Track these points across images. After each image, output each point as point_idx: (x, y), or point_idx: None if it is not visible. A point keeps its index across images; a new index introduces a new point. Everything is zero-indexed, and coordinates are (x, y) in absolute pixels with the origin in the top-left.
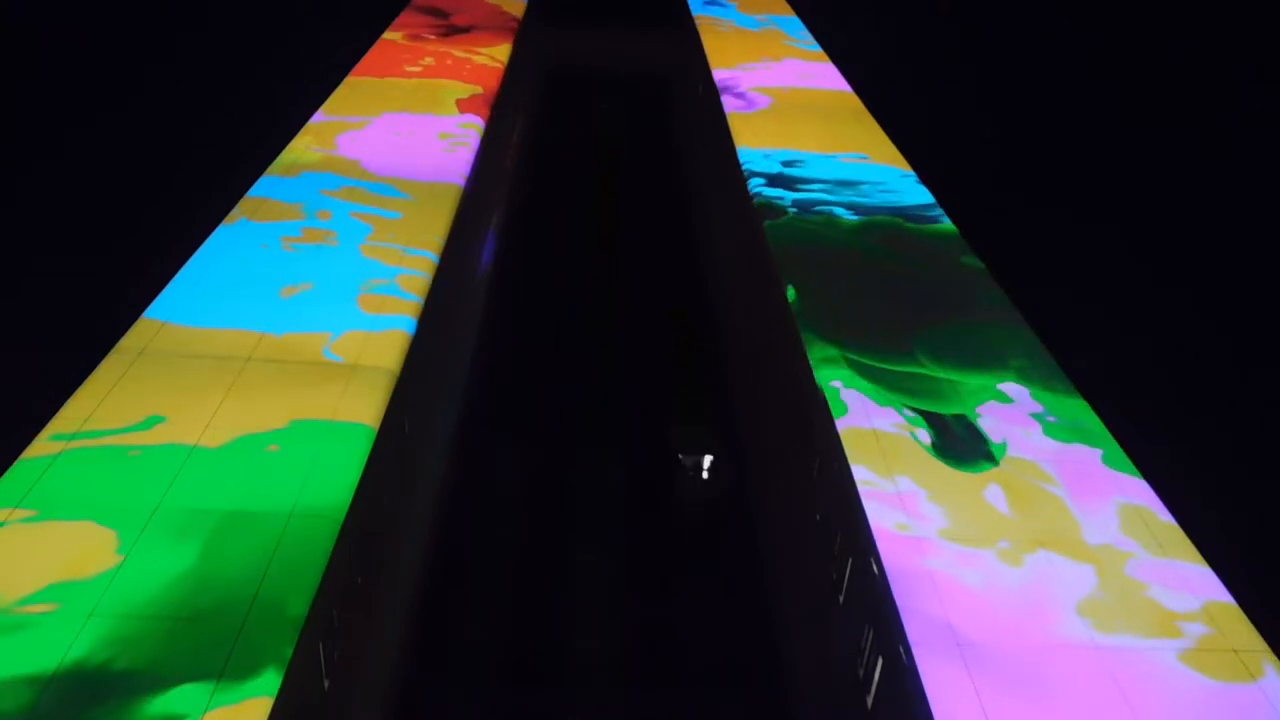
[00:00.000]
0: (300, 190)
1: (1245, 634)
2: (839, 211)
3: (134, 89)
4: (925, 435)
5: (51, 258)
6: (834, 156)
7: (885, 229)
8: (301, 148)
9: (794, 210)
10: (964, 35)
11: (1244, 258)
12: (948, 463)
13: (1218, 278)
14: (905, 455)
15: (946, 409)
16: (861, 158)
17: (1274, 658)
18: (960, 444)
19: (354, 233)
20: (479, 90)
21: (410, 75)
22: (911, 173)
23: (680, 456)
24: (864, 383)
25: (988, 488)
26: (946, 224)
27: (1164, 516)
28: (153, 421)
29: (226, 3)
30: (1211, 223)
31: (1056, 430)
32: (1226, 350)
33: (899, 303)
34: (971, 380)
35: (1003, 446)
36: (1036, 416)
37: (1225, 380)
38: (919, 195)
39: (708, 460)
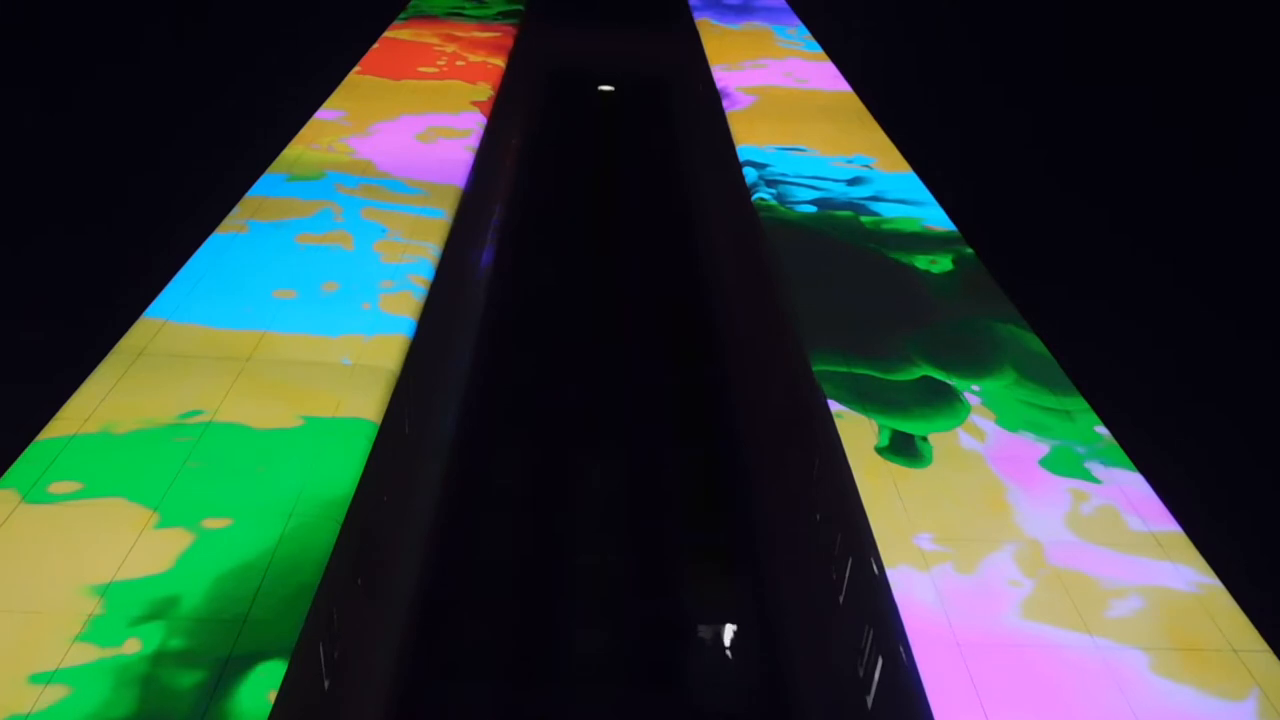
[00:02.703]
0: (302, 189)
1: (1246, 634)
2: (837, 211)
3: (135, 87)
4: (922, 438)
5: (50, 257)
6: (834, 156)
7: (884, 228)
8: (302, 146)
9: (793, 209)
10: (968, 36)
11: (1249, 258)
12: (946, 464)
13: (1223, 278)
14: (903, 455)
15: (947, 412)
16: (864, 161)
17: (1275, 658)
18: (959, 446)
19: (355, 232)
20: (479, 89)
21: (410, 74)
22: (912, 173)
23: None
24: (858, 388)
25: (987, 488)
26: (948, 224)
27: (1165, 516)
28: (150, 421)
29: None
30: (1217, 222)
31: (1055, 430)
32: (1228, 350)
33: (899, 304)
34: (972, 384)
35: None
36: (1036, 417)
37: (1227, 379)
38: (920, 195)
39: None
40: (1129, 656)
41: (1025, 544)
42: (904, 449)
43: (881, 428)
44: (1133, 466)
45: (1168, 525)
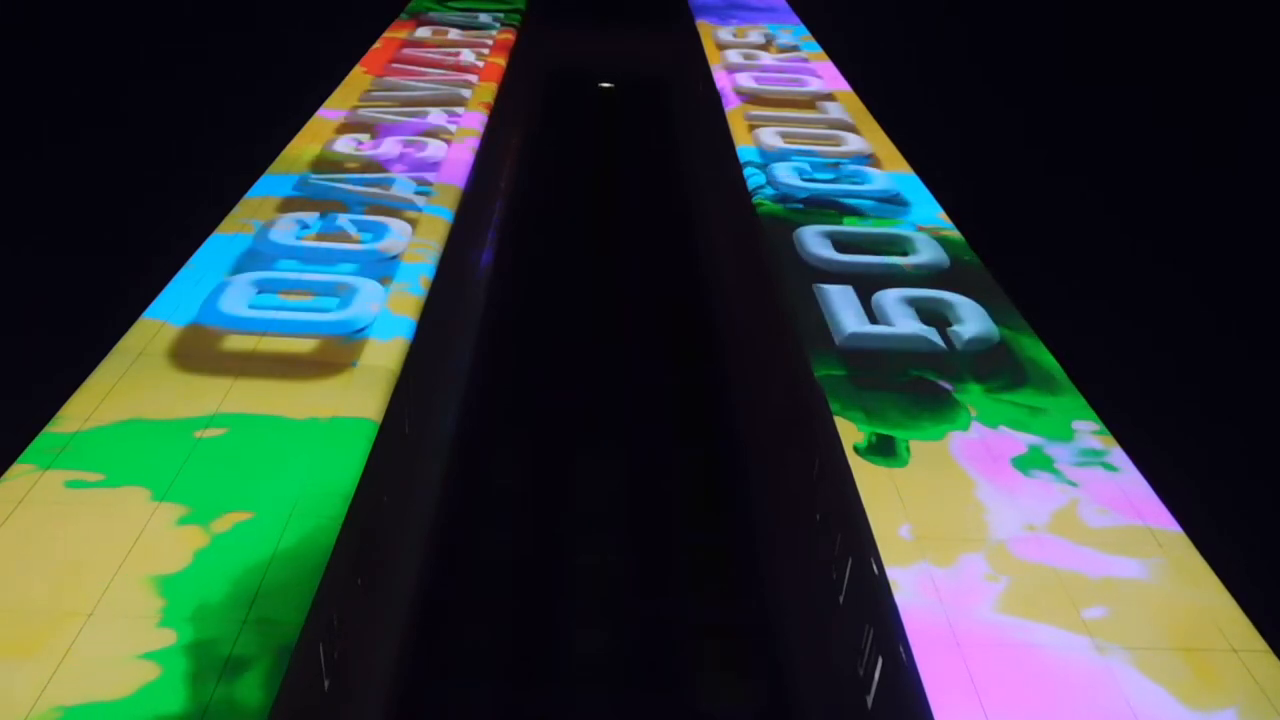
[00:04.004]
0: (301, 189)
1: (1246, 634)
2: (835, 210)
3: (134, 88)
4: (922, 442)
5: (51, 258)
6: (834, 156)
7: (881, 227)
8: (303, 146)
9: (793, 209)
10: (969, 37)
11: (1249, 258)
12: (924, 464)
13: (1223, 278)
14: (881, 455)
15: (944, 415)
16: (862, 161)
17: (1275, 658)
18: (941, 446)
19: (355, 231)
20: (480, 89)
21: (411, 74)
22: (913, 174)
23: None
24: (856, 389)
25: (987, 489)
26: (945, 224)
27: (1165, 515)
28: (149, 422)
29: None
30: (1217, 222)
31: (1046, 428)
32: (1229, 349)
33: (896, 304)
34: (966, 384)
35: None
36: (1023, 417)
37: (1227, 379)
38: (920, 196)
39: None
40: (1129, 656)
41: (1023, 543)
42: (883, 449)
43: (863, 428)
44: (1133, 465)
45: (1168, 524)
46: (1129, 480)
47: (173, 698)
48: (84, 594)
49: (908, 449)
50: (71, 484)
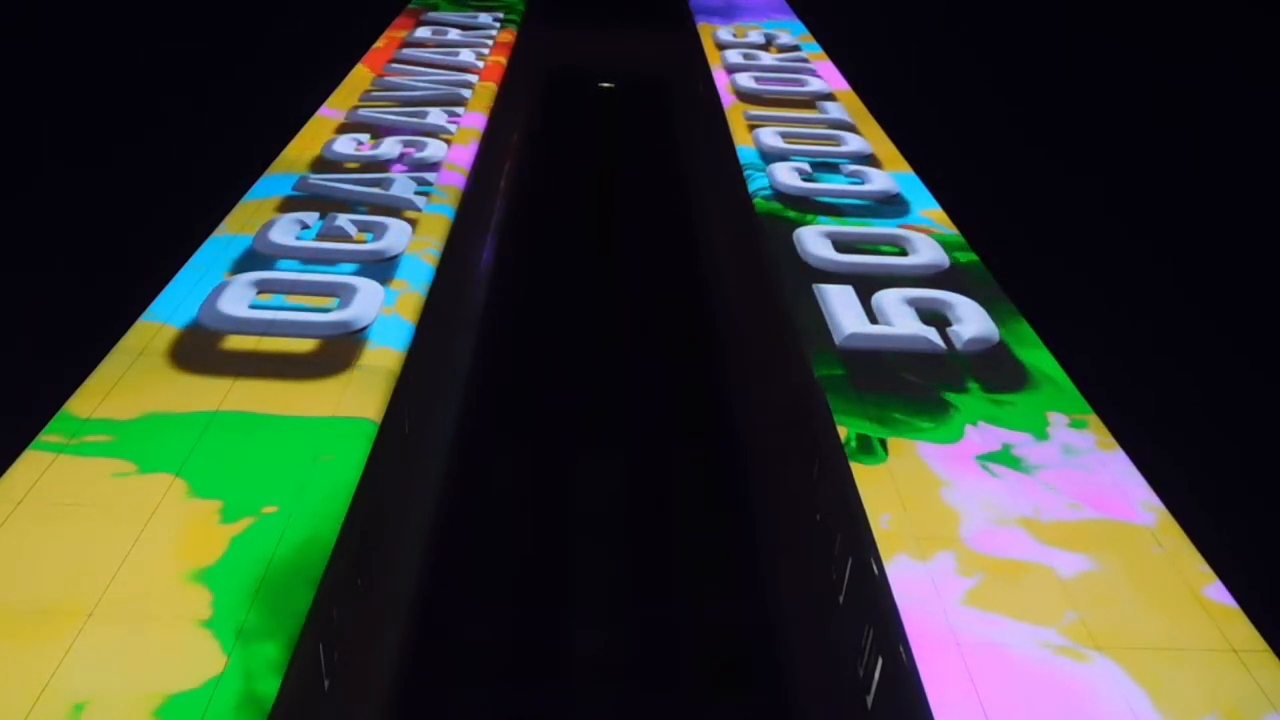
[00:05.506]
0: (301, 189)
1: (1246, 634)
2: (834, 210)
3: (133, 86)
4: (909, 441)
5: (50, 257)
6: (835, 157)
7: (885, 229)
8: (302, 146)
9: (792, 209)
10: (970, 37)
11: (1251, 258)
12: (942, 464)
13: (1224, 279)
14: (904, 451)
15: (941, 417)
16: (861, 162)
17: (1275, 658)
18: (958, 448)
19: (356, 231)
20: (480, 88)
21: (411, 73)
22: (914, 174)
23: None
24: (855, 390)
25: (984, 489)
26: (945, 225)
27: (1166, 517)
28: (147, 422)
29: None
30: (1218, 222)
31: (1043, 427)
32: (1229, 351)
33: (895, 304)
34: (965, 384)
35: (1014, 456)
36: (1022, 415)
37: (1227, 380)
38: (922, 196)
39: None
40: (1128, 656)
41: (1024, 543)
42: (864, 447)
43: (858, 429)
44: (1132, 463)
45: (1168, 522)
46: (1128, 478)
47: (169, 698)
48: (81, 594)
49: (884, 446)
50: (69, 483)
